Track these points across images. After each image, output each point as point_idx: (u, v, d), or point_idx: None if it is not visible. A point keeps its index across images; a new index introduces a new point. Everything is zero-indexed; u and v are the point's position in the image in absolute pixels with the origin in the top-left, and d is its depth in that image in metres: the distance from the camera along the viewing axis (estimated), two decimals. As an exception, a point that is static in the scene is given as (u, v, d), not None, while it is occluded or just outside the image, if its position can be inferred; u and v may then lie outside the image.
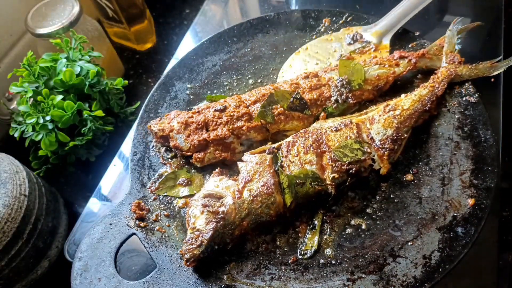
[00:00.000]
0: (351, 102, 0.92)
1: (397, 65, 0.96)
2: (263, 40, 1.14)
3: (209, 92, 1.07)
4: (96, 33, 1.20)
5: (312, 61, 1.07)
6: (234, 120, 0.91)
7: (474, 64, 0.93)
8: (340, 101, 0.92)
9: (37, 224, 0.89)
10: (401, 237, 0.77)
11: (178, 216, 0.87)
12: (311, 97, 0.93)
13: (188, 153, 0.92)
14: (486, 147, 0.83)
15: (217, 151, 0.90)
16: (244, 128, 0.90)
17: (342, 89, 0.92)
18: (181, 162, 0.95)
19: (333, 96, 0.93)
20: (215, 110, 0.92)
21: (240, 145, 0.92)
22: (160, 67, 1.34)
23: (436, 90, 0.90)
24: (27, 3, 1.20)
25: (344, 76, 0.93)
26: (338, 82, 0.93)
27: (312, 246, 0.79)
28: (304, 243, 0.80)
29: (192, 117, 0.93)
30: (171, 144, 0.92)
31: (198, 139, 0.90)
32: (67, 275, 0.79)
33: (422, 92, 0.90)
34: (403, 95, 0.92)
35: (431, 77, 0.93)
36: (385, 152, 0.82)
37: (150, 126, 0.95)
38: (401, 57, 0.96)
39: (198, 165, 0.92)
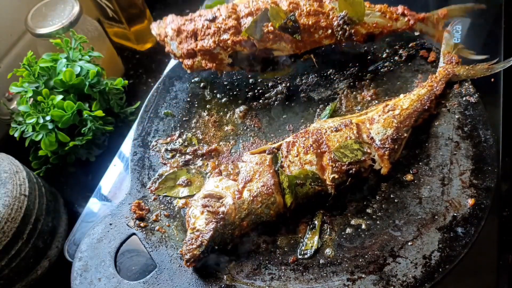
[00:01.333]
0: (354, 38, 0.93)
1: (397, 20, 0.96)
2: (263, 40, 1.14)
3: (209, 91, 1.07)
4: (96, 33, 1.20)
5: None
6: (221, 32, 0.92)
7: (471, 65, 0.93)
8: (343, 39, 0.93)
9: (37, 224, 0.88)
10: (401, 237, 0.77)
11: (178, 216, 0.87)
12: (305, 22, 0.92)
13: (180, 59, 0.98)
14: (486, 147, 0.83)
15: (204, 61, 0.94)
16: (229, 41, 0.91)
17: (345, 26, 0.92)
18: (180, 163, 0.95)
19: (337, 35, 0.93)
20: (206, 19, 0.94)
21: (228, 57, 0.94)
22: (160, 67, 1.33)
23: (435, 89, 0.90)
24: (27, 3, 1.20)
25: (344, 11, 0.93)
26: (340, 20, 0.92)
27: (312, 246, 0.79)
28: (304, 243, 0.80)
29: (184, 24, 0.96)
30: (166, 49, 0.99)
31: (186, 48, 0.95)
32: (67, 275, 0.79)
33: (420, 91, 0.90)
34: (402, 95, 0.92)
35: (429, 77, 0.93)
36: (386, 152, 0.82)
37: (152, 28, 1.02)
38: (403, 14, 0.97)
39: (188, 71, 0.98)
